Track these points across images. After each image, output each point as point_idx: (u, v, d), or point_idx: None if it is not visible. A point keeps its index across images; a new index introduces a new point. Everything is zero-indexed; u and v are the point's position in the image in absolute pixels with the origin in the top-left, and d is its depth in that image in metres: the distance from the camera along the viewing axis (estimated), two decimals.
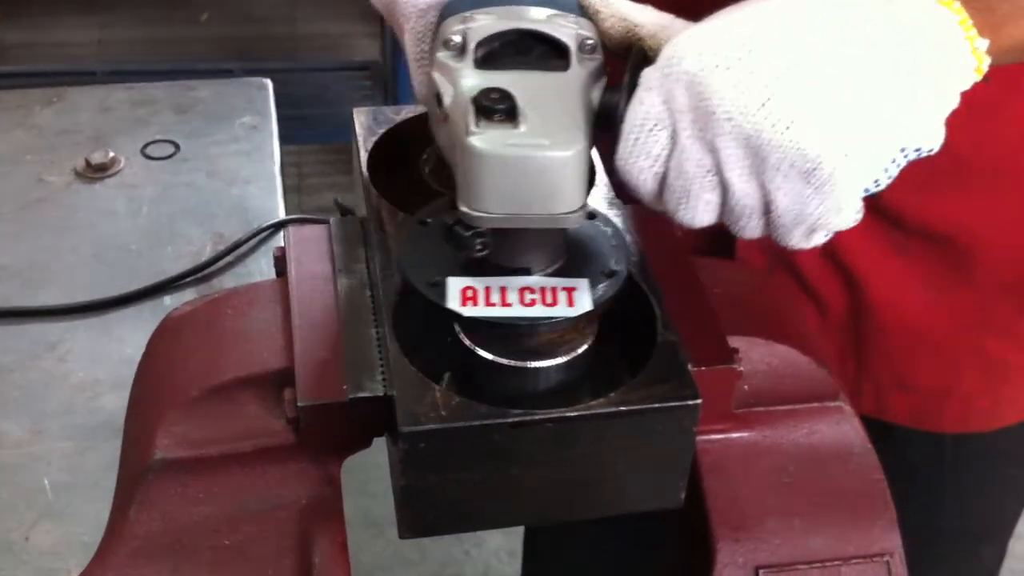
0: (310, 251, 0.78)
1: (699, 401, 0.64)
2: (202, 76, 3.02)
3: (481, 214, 0.62)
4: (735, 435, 0.74)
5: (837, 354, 0.99)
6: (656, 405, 0.63)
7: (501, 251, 0.66)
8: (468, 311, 0.65)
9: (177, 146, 1.46)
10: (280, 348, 0.72)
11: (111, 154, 1.41)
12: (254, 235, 1.26)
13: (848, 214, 0.62)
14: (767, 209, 0.62)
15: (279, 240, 1.27)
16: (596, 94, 0.64)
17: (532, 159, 0.60)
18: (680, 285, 0.75)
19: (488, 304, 0.65)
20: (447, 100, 0.64)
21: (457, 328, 0.67)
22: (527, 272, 0.67)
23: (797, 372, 0.76)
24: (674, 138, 0.61)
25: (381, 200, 0.77)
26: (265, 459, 0.70)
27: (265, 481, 0.70)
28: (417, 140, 0.82)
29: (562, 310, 0.65)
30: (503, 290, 0.66)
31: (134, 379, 0.77)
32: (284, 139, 1.50)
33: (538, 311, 0.65)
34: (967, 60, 0.61)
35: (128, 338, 1.16)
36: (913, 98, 0.60)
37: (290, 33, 3.72)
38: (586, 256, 0.69)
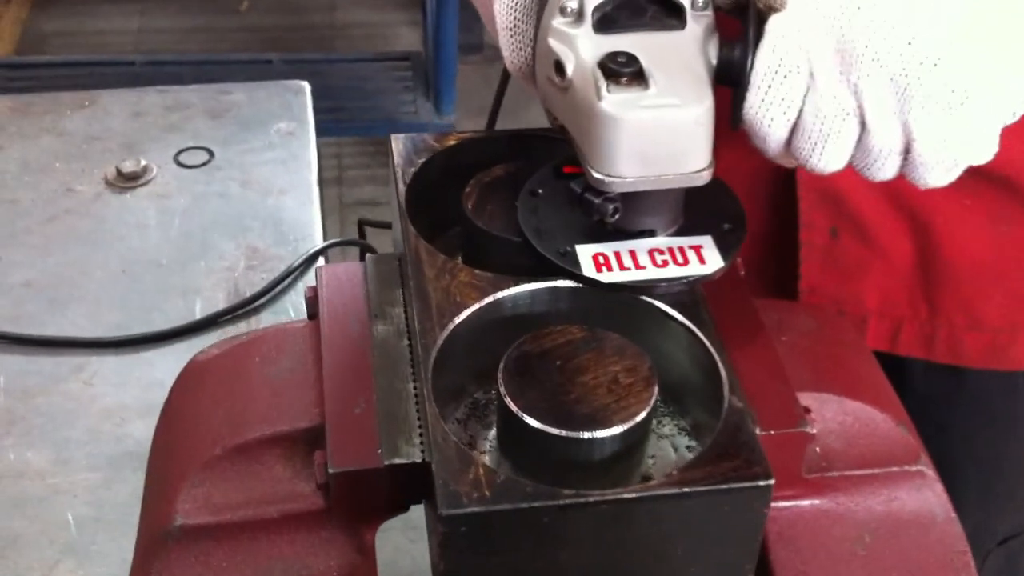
0: (343, 293, 0.73)
1: (772, 482, 0.57)
2: (241, 66, 3.01)
3: (615, 179, 0.62)
4: (805, 502, 0.68)
5: (909, 302, 0.98)
6: (724, 486, 0.57)
7: (630, 215, 0.66)
8: (605, 277, 0.65)
9: (211, 153, 1.41)
10: (310, 404, 0.67)
11: (143, 162, 1.36)
12: (287, 275, 1.21)
13: (991, 147, 0.63)
14: (907, 149, 0.62)
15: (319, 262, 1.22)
16: (712, 50, 0.64)
17: (665, 119, 0.61)
18: (744, 334, 0.69)
19: (623, 268, 0.65)
20: (570, 68, 0.63)
21: (502, 390, 0.62)
22: (652, 234, 0.67)
23: (873, 432, 0.70)
24: (810, 84, 0.62)
25: (420, 241, 0.71)
26: (293, 526, 0.65)
27: (293, 550, 0.65)
28: (459, 171, 0.76)
29: (695, 268, 0.65)
30: (633, 254, 0.66)
31: (155, 431, 0.72)
32: (323, 131, 1.46)
33: (672, 271, 0.65)
34: None
35: (157, 361, 1.12)
36: None
37: (329, 22, 3.66)
38: (701, 211, 0.68)
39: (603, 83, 0.61)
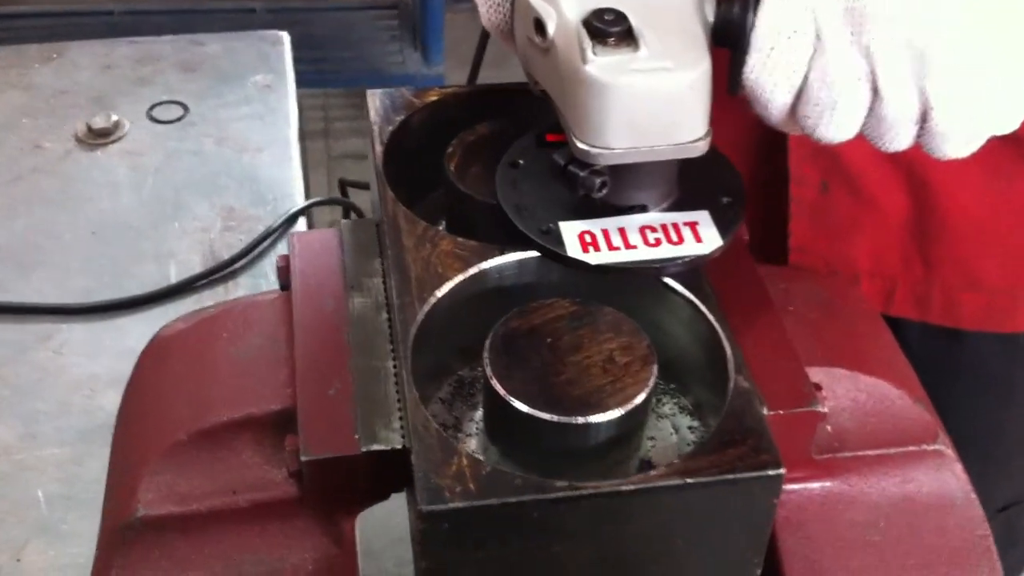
0: (317, 263, 0.68)
1: (782, 471, 0.53)
2: (224, 15, 2.92)
3: (603, 150, 0.56)
4: (815, 485, 0.63)
5: (903, 261, 0.94)
6: (729, 476, 0.52)
7: (616, 189, 0.60)
8: (592, 258, 0.58)
9: (185, 108, 1.34)
10: (281, 384, 0.62)
11: (114, 118, 1.30)
12: (266, 236, 1.14)
13: (1014, 114, 0.58)
14: (924, 118, 0.58)
15: (300, 225, 1.16)
16: (709, 7, 0.58)
17: (658, 84, 0.55)
18: (748, 305, 0.64)
19: (611, 248, 0.59)
20: (551, 27, 0.57)
21: (488, 371, 0.57)
22: (643, 209, 0.61)
23: (888, 409, 0.65)
24: (817, 46, 0.57)
25: (398, 206, 0.65)
26: (264, 516, 0.60)
27: (264, 541, 0.60)
28: (441, 130, 0.70)
29: (691, 247, 0.59)
30: (622, 231, 0.60)
31: (118, 413, 0.67)
32: (307, 83, 1.38)
33: (665, 251, 0.59)
34: None
35: (129, 329, 1.06)
36: None
37: None
38: (697, 184, 0.62)
39: (588, 44, 0.55)
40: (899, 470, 0.64)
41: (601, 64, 0.54)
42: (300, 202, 1.20)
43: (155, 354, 0.68)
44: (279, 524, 0.60)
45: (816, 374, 0.63)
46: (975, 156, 0.89)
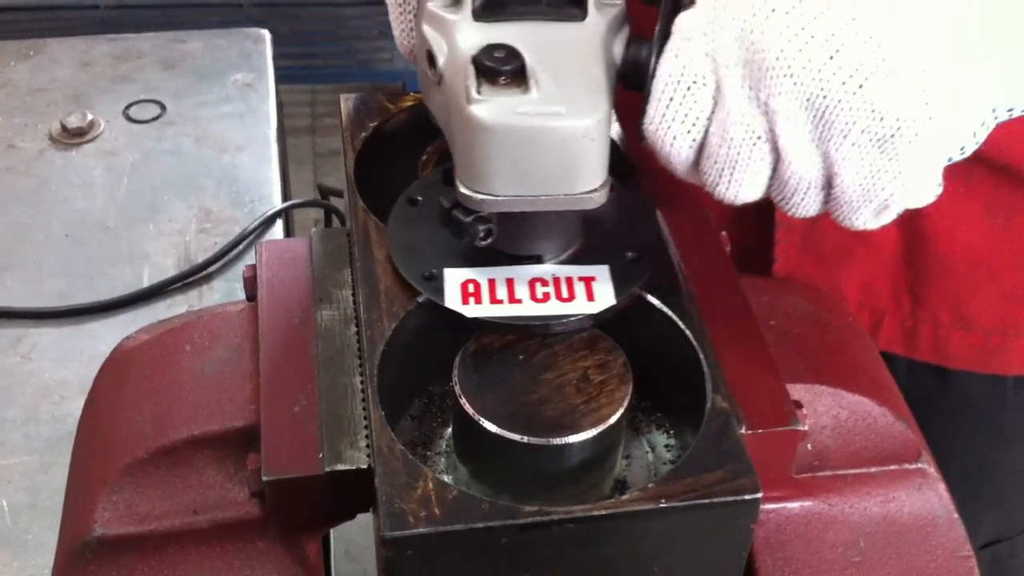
0: (285, 273, 0.65)
1: (760, 495, 0.51)
2: (211, 9, 2.89)
3: (487, 197, 0.52)
4: (795, 505, 0.62)
5: (892, 294, 0.91)
6: (706, 501, 0.50)
7: (508, 237, 0.57)
8: (470, 310, 0.56)
9: (163, 107, 1.32)
10: (245, 400, 0.60)
11: (89, 117, 1.27)
12: (242, 239, 1.12)
13: (928, 188, 0.53)
14: (829, 183, 0.53)
15: (277, 227, 1.14)
16: (618, 47, 0.54)
17: (547, 130, 0.50)
18: (729, 320, 0.62)
19: (494, 301, 0.56)
20: (441, 60, 0.53)
21: (457, 389, 0.55)
22: (538, 260, 0.58)
23: (870, 427, 0.63)
24: (718, 98, 0.52)
25: (369, 216, 0.63)
26: (225, 536, 0.58)
27: (226, 563, 0.58)
28: (415, 136, 0.68)
29: (580, 306, 0.56)
30: (510, 283, 0.57)
31: (77, 427, 0.65)
32: (295, 79, 1.36)
33: (551, 308, 0.56)
34: None
35: (101, 333, 1.04)
36: (1007, 49, 0.50)
37: None
38: (605, 235, 0.58)
39: (474, 82, 0.51)
40: (881, 489, 0.63)
41: (486, 104, 0.50)
42: (278, 204, 1.18)
43: (116, 367, 0.66)
44: (241, 545, 0.58)
45: (797, 391, 0.61)
46: (972, 192, 0.87)
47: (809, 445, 0.62)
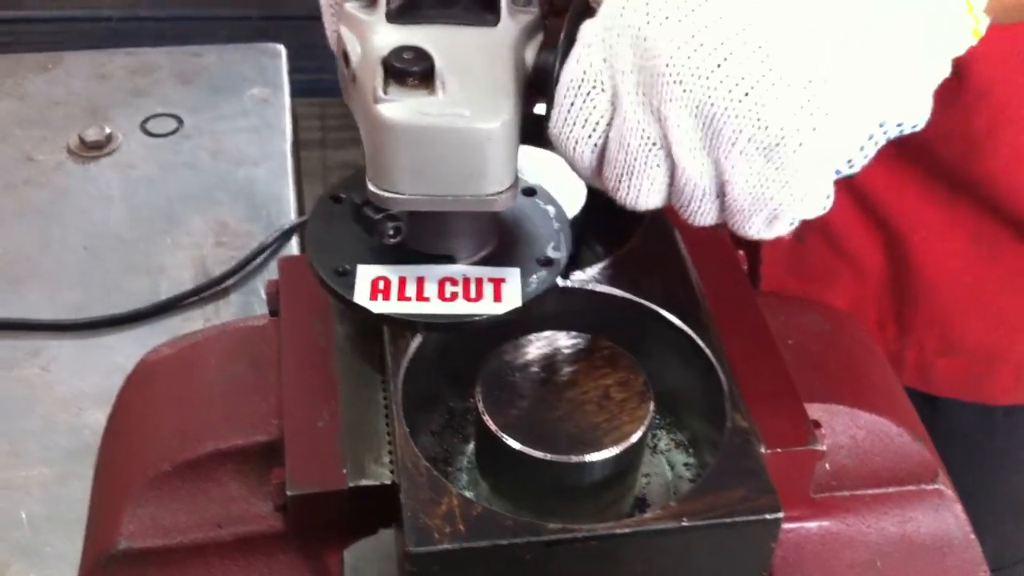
0: (307, 287, 0.66)
1: (780, 515, 0.51)
2: (221, 22, 2.91)
3: (392, 195, 0.53)
4: (812, 524, 0.62)
5: (877, 320, 0.91)
6: (727, 520, 0.51)
7: (419, 236, 0.58)
8: (377, 307, 0.56)
9: (180, 120, 1.33)
10: (268, 414, 0.61)
11: (107, 130, 1.28)
12: (259, 252, 1.12)
13: (816, 199, 0.53)
14: (722, 191, 0.53)
15: (293, 242, 1.15)
16: (530, 53, 0.55)
17: (450, 131, 0.52)
18: (747, 339, 0.63)
19: (402, 298, 0.57)
20: (354, 59, 0.54)
21: (480, 406, 0.55)
22: (450, 260, 0.59)
23: (887, 447, 0.64)
24: (615, 104, 0.52)
25: None
26: (248, 550, 0.59)
27: None
28: None
29: (485, 307, 0.56)
30: (420, 281, 0.58)
31: (101, 441, 0.66)
32: (305, 92, 1.36)
33: (459, 307, 0.56)
34: (962, 21, 0.51)
35: (118, 346, 1.04)
36: (897, 64, 0.50)
37: None
38: (520, 240, 0.59)
39: (380, 82, 0.51)
40: (898, 509, 0.63)
41: (392, 104, 0.51)
42: (294, 218, 1.19)
43: (140, 380, 0.66)
44: (264, 559, 0.59)
45: (815, 410, 0.61)
46: (955, 220, 0.87)
47: (827, 465, 0.62)
